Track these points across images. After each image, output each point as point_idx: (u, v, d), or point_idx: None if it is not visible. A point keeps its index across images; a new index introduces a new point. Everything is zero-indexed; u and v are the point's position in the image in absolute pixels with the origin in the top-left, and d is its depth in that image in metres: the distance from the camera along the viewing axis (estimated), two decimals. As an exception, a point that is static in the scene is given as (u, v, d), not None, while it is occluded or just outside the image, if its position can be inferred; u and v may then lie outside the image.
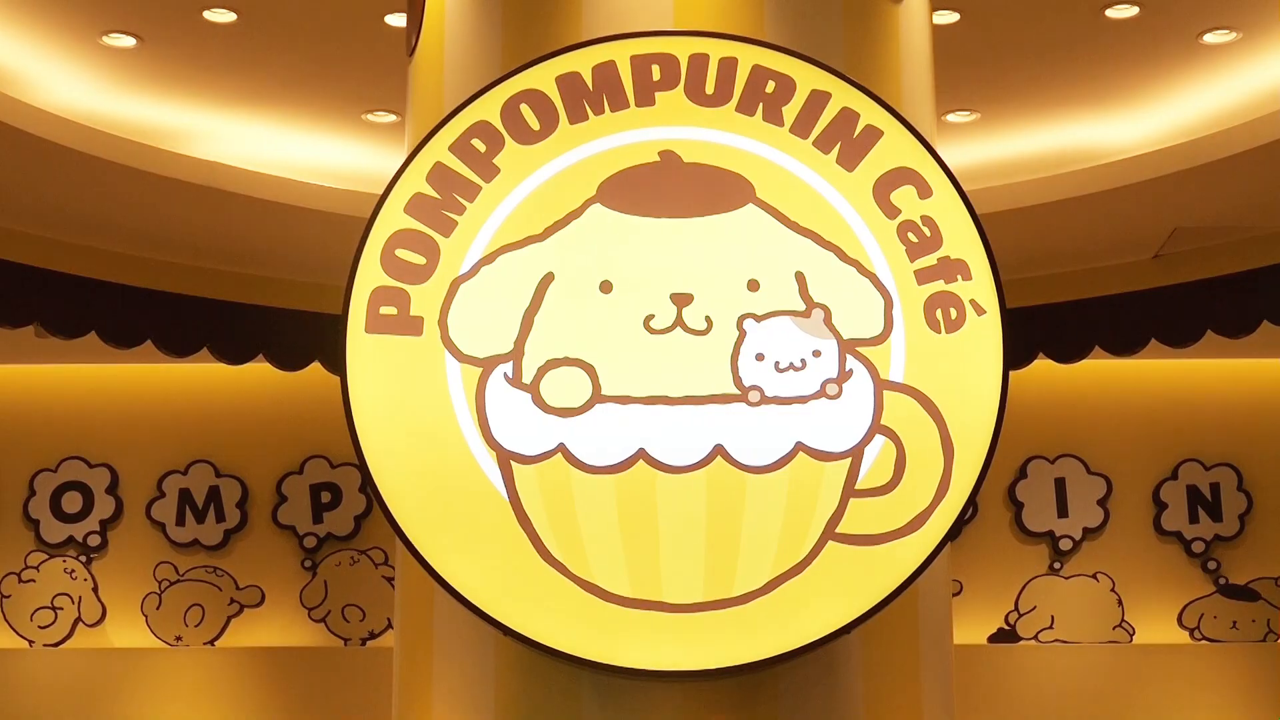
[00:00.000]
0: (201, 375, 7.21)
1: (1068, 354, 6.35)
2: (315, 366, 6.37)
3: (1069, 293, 6.28)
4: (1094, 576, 7.18)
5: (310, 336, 6.19)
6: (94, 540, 7.24)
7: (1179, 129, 5.65)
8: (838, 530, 3.53)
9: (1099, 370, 7.09)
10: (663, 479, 3.53)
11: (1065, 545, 7.24)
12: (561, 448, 3.55)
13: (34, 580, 7.15)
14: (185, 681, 7.00)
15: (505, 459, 3.56)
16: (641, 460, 3.54)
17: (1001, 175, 5.96)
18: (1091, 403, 7.34)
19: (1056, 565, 7.22)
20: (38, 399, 7.34)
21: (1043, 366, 6.43)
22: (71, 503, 7.27)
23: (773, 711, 3.61)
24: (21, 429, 7.32)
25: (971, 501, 3.58)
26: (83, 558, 7.20)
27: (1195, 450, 7.33)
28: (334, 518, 7.26)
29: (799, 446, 3.56)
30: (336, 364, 3.67)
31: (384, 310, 3.64)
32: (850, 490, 3.55)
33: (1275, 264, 6.05)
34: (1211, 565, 7.22)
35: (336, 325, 3.65)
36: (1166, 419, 7.34)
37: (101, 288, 6.04)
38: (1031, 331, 6.20)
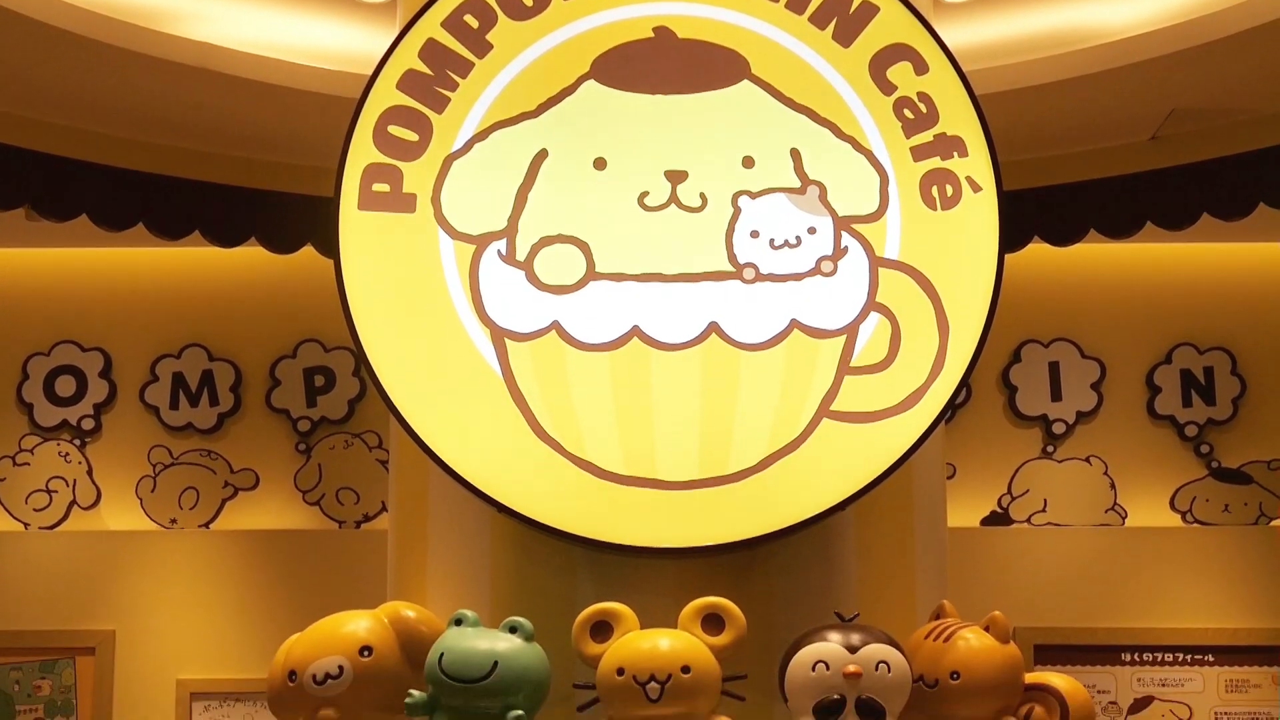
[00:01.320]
0: (194, 259, 7.19)
1: (1063, 237, 6.32)
2: (308, 250, 6.34)
3: (1065, 175, 6.24)
4: (1087, 460, 7.20)
5: (303, 219, 6.16)
6: (88, 424, 7.24)
7: (1177, 8, 5.59)
8: (832, 408, 3.53)
9: (1094, 254, 7.07)
10: (657, 356, 3.53)
11: (1058, 429, 7.25)
12: (555, 325, 3.55)
13: (28, 464, 7.16)
14: (181, 564, 7.03)
15: (499, 336, 3.56)
16: (636, 338, 3.54)
17: (996, 57, 5.91)
18: (1086, 287, 7.33)
19: (1049, 449, 7.24)
20: (29, 283, 7.31)
21: (1037, 250, 6.41)
22: (65, 386, 7.27)
23: (767, 588, 3.63)
24: (13, 313, 7.31)
25: (967, 380, 3.58)
26: (77, 441, 7.20)
27: (1189, 334, 7.33)
28: (328, 401, 7.26)
29: (793, 324, 3.55)
30: (329, 245, 3.66)
31: (376, 187, 3.63)
32: (845, 368, 3.55)
33: (1273, 146, 6.02)
34: (1204, 449, 7.24)
35: (329, 207, 3.64)
36: (1161, 303, 7.34)
37: (92, 170, 6.00)
38: (1027, 214, 6.18)
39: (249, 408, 7.30)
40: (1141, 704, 6.95)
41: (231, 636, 6.98)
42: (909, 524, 3.86)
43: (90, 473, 7.14)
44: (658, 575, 3.58)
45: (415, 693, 3.35)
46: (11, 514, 7.11)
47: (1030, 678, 3.52)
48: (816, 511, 3.49)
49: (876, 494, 3.60)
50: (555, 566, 3.64)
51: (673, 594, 3.49)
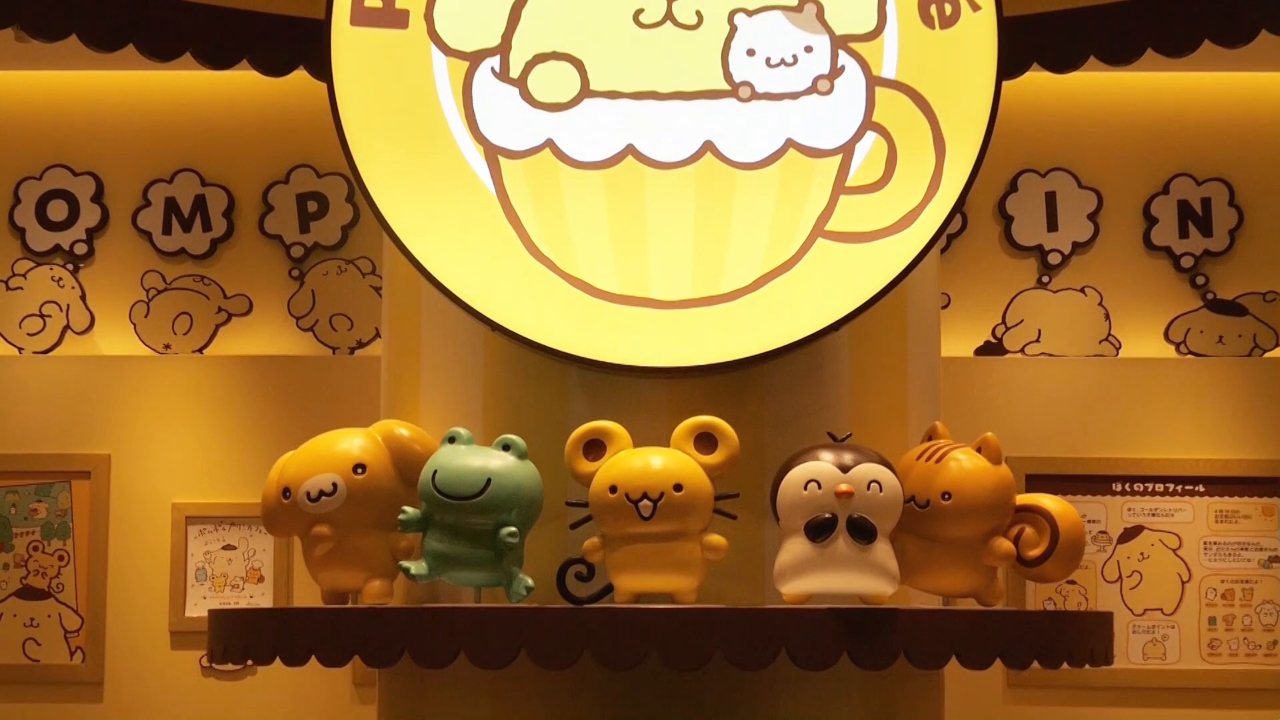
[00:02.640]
0: (185, 83, 7.12)
1: (1062, 62, 6.24)
2: (300, 75, 6.25)
3: (1063, 0, 6.16)
4: (1082, 291, 7.18)
5: (295, 41, 6.08)
6: (80, 249, 7.21)
7: None
8: (827, 228, 3.52)
9: (1093, 84, 7.00)
10: (651, 175, 3.51)
11: (1054, 259, 7.23)
12: (549, 143, 3.52)
13: (21, 288, 7.13)
14: (175, 389, 7.03)
15: (493, 154, 3.53)
16: (630, 156, 3.51)
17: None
18: (1084, 117, 7.27)
19: (1045, 279, 7.22)
20: (19, 106, 7.25)
21: (1036, 79, 6.32)
22: (57, 211, 7.23)
23: (759, 409, 3.64)
24: (3, 137, 7.25)
25: (963, 201, 3.57)
26: (70, 266, 7.18)
27: (1187, 165, 7.28)
28: (321, 227, 7.22)
29: (789, 143, 3.53)
30: (321, 62, 3.63)
31: (369, 3, 3.58)
32: (840, 187, 3.53)
33: (1276, -29, 5.94)
34: (1200, 280, 7.22)
35: (322, 28, 3.60)
36: (1159, 134, 7.28)
37: (82, -11, 5.91)
38: (1025, 38, 6.10)
39: (241, 233, 7.26)
40: (1131, 533, 6.99)
41: (226, 461, 7.00)
42: (902, 348, 3.86)
43: (84, 298, 7.12)
44: (651, 394, 3.58)
45: (408, 510, 3.38)
46: (5, 338, 7.11)
47: (1021, 499, 3.54)
48: (810, 332, 3.49)
49: (871, 317, 3.59)
50: (548, 386, 3.64)
51: (665, 413, 3.50)
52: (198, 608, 6.81)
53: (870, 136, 3.53)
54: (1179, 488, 6.97)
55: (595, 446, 3.38)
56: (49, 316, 7.10)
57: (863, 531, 3.26)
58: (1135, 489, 6.97)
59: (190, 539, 6.97)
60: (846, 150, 3.52)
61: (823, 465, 3.29)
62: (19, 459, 6.97)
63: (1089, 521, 6.76)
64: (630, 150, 3.50)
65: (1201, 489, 6.97)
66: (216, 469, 7.00)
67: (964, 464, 3.44)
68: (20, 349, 7.09)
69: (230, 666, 6.86)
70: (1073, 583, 6.84)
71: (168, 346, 7.10)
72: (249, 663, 6.83)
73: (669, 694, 3.48)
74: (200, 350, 7.12)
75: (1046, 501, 3.55)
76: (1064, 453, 6.93)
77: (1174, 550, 6.97)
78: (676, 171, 3.50)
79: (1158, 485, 6.97)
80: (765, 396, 3.64)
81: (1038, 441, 6.88)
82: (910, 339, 3.88)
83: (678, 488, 3.28)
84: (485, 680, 3.51)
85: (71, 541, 6.98)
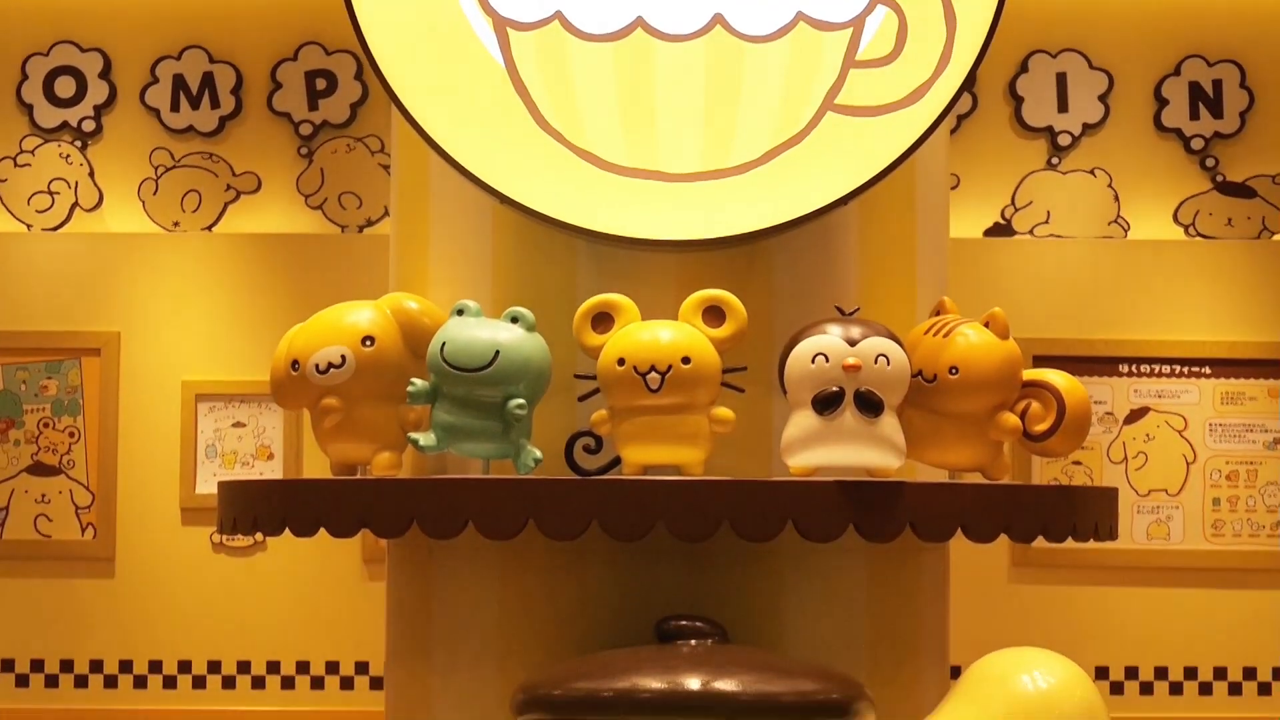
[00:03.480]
0: (193, -41, 7.11)
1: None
2: (308, -50, 6.25)
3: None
4: (1091, 172, 7.16)
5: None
6: (89, 125, 7.20)
7: None
8: (837, 101, 3.50)
9: (1106, -36, 6.99)
10: (660, 47, 3.48)
11: (1064, 141, 7.21)
12: (558, 14, 3.50)
13: (29, 164, 7.13)
14: (184, 267, 7.05)
15: (501, 25, 3.51)
16: (640, 28, 3.49)
17: None
18: (1096, -3, 7.25)
19: (1054, 161, 7.20)
20: (26, -19, 7.24)
21: (1049, -43, 6.32)
22: (64, 87, 7.21)
23: (767, 282, 3.63)
24: (11, 12, 7.21)
25: (974, 75, 3.55)
26: (78, 143, 7.16)
27: (1198, 46, 7.24)
28: (329, 105, 7.20)
29: (799, 16, 3.50)
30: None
31: (376, -127, 3.55)
32: (850, 61, 3.51)
33: None
34: (1210, 162, 7.20)
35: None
36: (1171, 13, 7.23)
37: None
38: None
39: (250, 111, 7.24)
40: (1137, 415, 7.02)
41: (235, 339, 7.03)
42: (911, 224, 3.84)
43: (92, 175, 7.12)
44: (659, 267, 3.58)
45: (417, 381, 3.38)
46: (14, 215, 7.11)
47: (1028, 374, 3.54)
48: (819, 205, 3.47)
49: (880, 193, 3.58)
50: (556, 258, 3.63)
51: (673, 286, 3.50)
52: (208, 484, 6.86)
53: (881, 10, 3.50)
54: (1185, 369, 6.99)
55: (603, 319, 3.38)
56: (57, 193, 7.09)
57: (869, 405, 3.26)
58: (1142, 370, 6.98)
59: (200, 416, 7.00)
60: (857, 24, 3.50)
61: (830, 339, 3.29)
62: (28, 336, 7.00)
63: (1095, 403, 6.78)
64: (640, 22, 3.48)
65: (1208, 371, 6.99)
66: (225, 347, 7.03)
67: (971, 339, 3.44)
68: (29, 226, 7.09)
69: (240, 543, 6.92)
70: (1078, 463, 6.87)
71: (176, 224, 7.10)
72: (258, 535, 6.92)
73: (676, 567, 3.51)
74: (209, 228, 7.13)
75: (1053, 376, 3.55)
76: (1071, 334, 6.95)
77: (1179, 432, 6.99)
78: (686, 44, 3.48)
79: (1164, 367, 6.98)
80: (774, 270, 3.63)
81: (1045, 323, 6.89)
82: (919, 215, 3.87)
83: (685, 360, 3.28)
84: (493, 554, 3.53)
85: (82, 418, 7.01)
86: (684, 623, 3.25)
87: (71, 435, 7.02)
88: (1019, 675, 3.08)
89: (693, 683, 2.97)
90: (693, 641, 3.21)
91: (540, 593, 3.56)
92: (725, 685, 2.97)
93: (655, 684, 2.97)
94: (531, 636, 3.54)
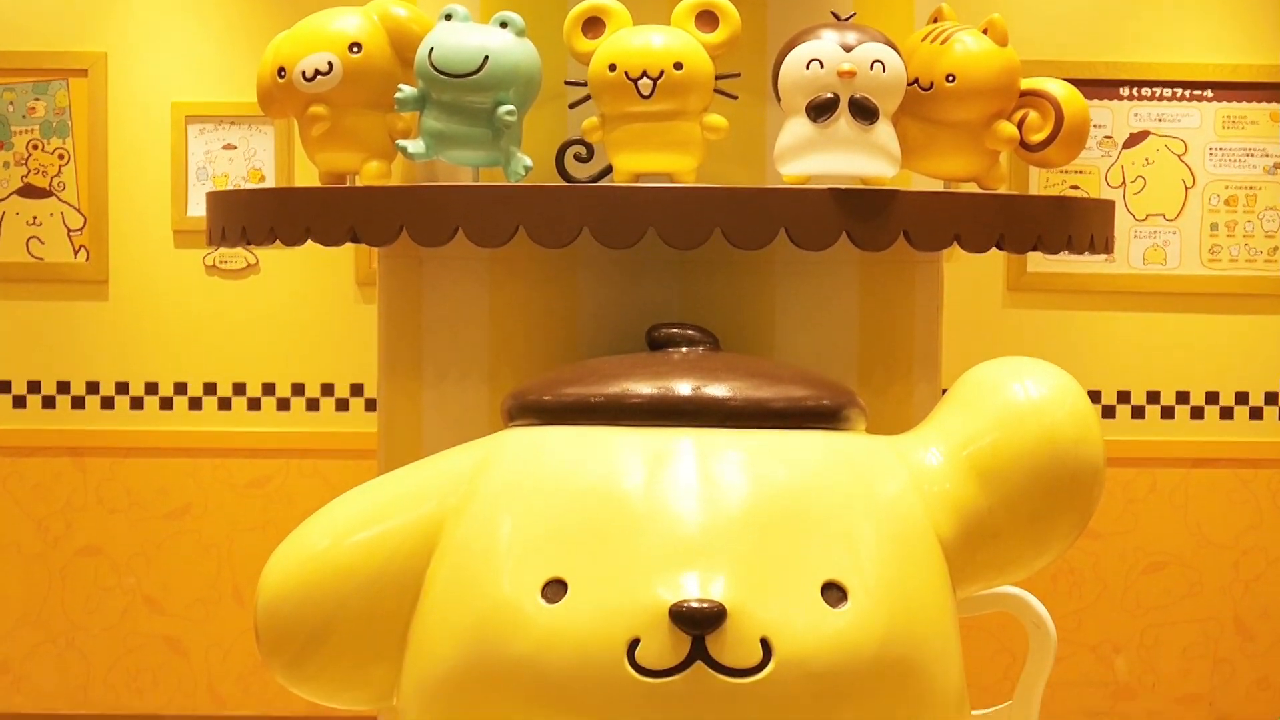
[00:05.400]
0: None
1: None
2: None
3: None
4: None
5: None
6: None
7: None
8: None
9: None
10: None
11: None
12: None
13: (10, -122, 6.99)
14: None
15: None
16: None
17: None
18: None
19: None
20: None
21: None
22: None
23: (762, -12, 3.56)
24: None
25: None
26: None
27: None
28: None
29: None
30: None
31: None
32: None
33: None
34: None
35: None
36: None
37: None
38: None
39: None
40: (1137, 138, 6.96)
41: (225, 61, 6.94)
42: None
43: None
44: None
45: (405, 88, 3.33)
46: (-5, -69, 6.98)
47: (1026, 84, 3.49)
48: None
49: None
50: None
51: (667, -9, 3.43)
52: (199, 207, 6.82)
53: None
54: (1187, 93, 6.92)
55: (594, 24, 3.31)
56: (38, -93, 6.97)
57: (864, 112, 3.22)
58: (1143, 94, 6.91)
59: (190, 138, 6.95)
60: None
61: (825, 45, 3.23)
62: (12, 56, 6.93)
63: (1095, 126, 6.72)
64: None
65: (1210, 94, 6.92)
66: (215, 69, 6.95)
67: (969, 45, 3.38)
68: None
69: (234, 265, 6.91)
70: (1076, 187, 6.83)
71: (163, -57, 6.98)
72: (251, 257, 6.91)
73: (667, 277, 3.48)
74: (197, -53, 7.00)
75: (1051, 86, 3.50)
76: (1071, 56, 6.86)
77: (1179, 156, 6.95)
78: None
79: (1165, 90, 6.91)
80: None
81: (1044, 44, 6.81)
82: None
83: (678, 66, 3.22)
84: (483, 264, 3.51)
85: (71, 140, 6.96)
86: (675, 330, 3.24)
87: (61, 157, 6.96)
88: (1010, 384, 3.07)
89: (683, 388, 2.96)
90: (684, 349, 3.20)
91: (531, 303, 3.54)
92: (716, 390, 2.96)
93: (646, 389, 2.97)
94: (522, 347, 3.53)
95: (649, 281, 3.48)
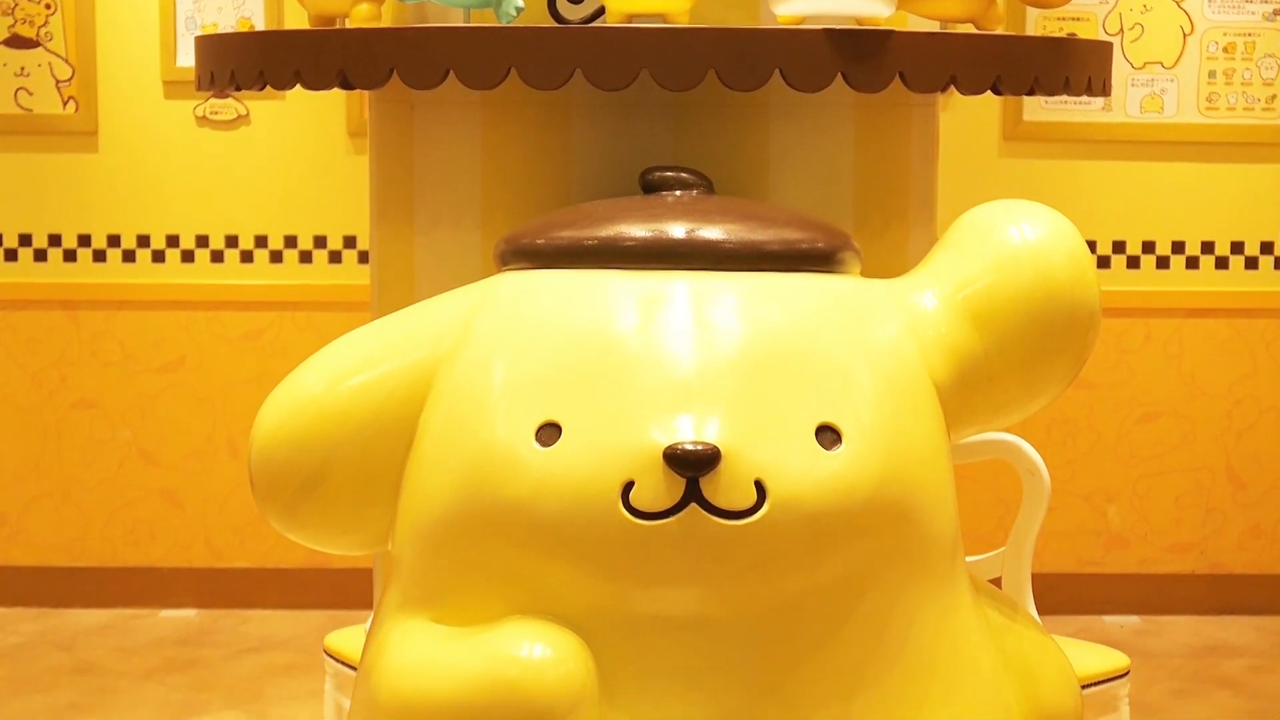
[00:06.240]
0: None
1: None
2: None
3: None
4: None
5: None
6: None
7: None
8: None
9: None
10: None
11: None
12: None
13: None
14: None
15: None
16: None
17: None
18: None
19: None
20: None
21: None
22: None
23: None
24: None
25: None
26: None
27: None
28: None
29: None
30: None
31: None
32: None
33: None
34: None
35: None
36: None
37: None
38: None
39: None
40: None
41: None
42: None
43: None
44: None
45: (394, -72, 3.28)
46: None
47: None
48: None
49: None
50: None
51: None
52: (189, 57, 6.75)
53: None
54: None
55: None
56: None
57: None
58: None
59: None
60: None
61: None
62: (-3, -98, 6.82)
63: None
64: None
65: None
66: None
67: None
68: None
69: (225, 115, 6.85)
70: (1073, 34, 6.75)
71: None
72: (242, 108, 6.86)
73: (661, 120, 3.45)
74: None
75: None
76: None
77: (1177, 2, 6.87)
78: None
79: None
80: None
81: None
82: None
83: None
84: (475, 108, 3.47)
85: (59, -14, 6.88)
86: (669, 173, 3.21)
87: (48, 7, 6.87)
88: (1006, 226, 3.05)
89: (677, 231, 2.94)
90: (678, 192, 3.17)
91: (523, 147, 3.50)
92: (710, 233, 2.94)
93: (639, 232, 2.94)
94: (514, 192, 3.50)
95: (642, 125, 3.45)
